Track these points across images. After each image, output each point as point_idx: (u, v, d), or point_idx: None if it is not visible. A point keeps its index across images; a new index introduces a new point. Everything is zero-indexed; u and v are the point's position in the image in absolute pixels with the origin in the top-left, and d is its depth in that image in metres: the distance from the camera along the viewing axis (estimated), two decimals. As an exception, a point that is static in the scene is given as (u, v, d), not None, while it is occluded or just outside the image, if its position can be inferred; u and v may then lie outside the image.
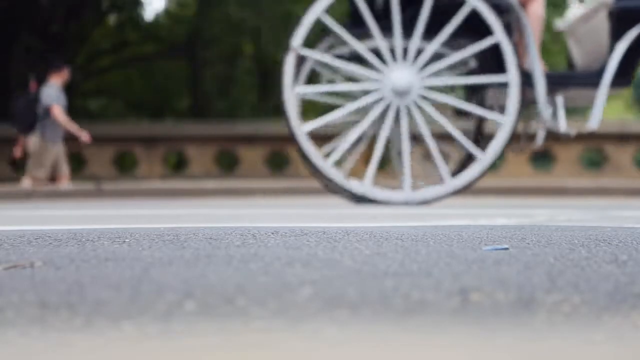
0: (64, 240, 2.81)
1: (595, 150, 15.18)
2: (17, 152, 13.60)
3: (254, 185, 13.40)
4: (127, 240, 2.79)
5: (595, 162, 16.21)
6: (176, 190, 12.99)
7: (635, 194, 12.15)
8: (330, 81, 8.43)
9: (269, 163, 16.17)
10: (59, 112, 12.86)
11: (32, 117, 13.01)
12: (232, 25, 20.75)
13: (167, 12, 24.29)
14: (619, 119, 21.48)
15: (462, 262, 2.24)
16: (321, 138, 9.39)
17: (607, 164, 14.71)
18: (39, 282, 1.98)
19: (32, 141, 13.05)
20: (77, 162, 16.63)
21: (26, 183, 13.19)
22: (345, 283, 1.93)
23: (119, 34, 22.35)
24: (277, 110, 22.02)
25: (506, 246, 2.64)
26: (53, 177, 13.30)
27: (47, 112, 12.90)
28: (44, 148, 12.96)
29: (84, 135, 12.95)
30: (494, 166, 16.50)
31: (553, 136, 15.26)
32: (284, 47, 7.46)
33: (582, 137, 14.91)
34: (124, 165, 17.17)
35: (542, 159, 16.14)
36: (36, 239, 2.86)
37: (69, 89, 20.62)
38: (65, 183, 13.21)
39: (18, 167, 15.51)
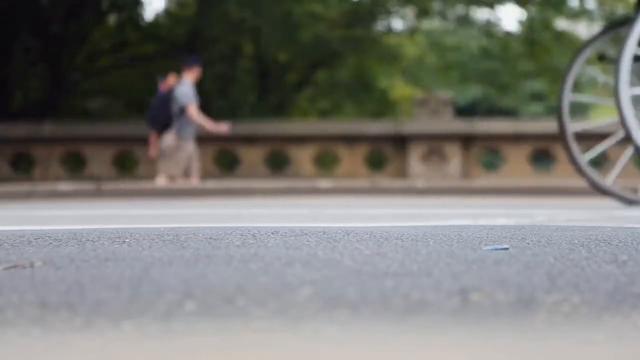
0: (64, 240, 2.81)
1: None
2: (153, 151, 13.69)
3: (254, 185, 13.40)
4: (127, 240, 2.79)
5: (595, 162, 16.20)
6: (176, 190, 12.99)
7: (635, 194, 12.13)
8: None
9: (269, 163, 16.17)
10: (195, 112, 13.00)
11: (168, 116, 13.13)
12: (232, 25, 20.75)
13: (167, 12, 24.28)
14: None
15: (462, 262, 2.24)
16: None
17: (606, 164, 14.71)
18: (39, 282, 1.98)
19: (167, 139, 13.15)
20: (77, 162, 16.63)
21: (160, 181, 13.26)
22: (345, 283, 1.93)
23: (119, 34, 22.34)
24: (277, 110, 22.03)
25: (506, 246, 2.64)
26: (186, 174, 13.45)
27: (183, 110, 13.04)
28: (179, 146, 13.11)
29: (222, 127, 13.16)
30: (493, 166, 16.39)
31: (552, 136, 15.22)
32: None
33: (581, 137, 14.90)
34: (124, 165, 17.16)
35: (542, 159, 16.14)
36: (36, 239, 2.86)
37: (69, 89, 20.62)
38: (196, 181, 13.33)
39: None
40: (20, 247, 2.68)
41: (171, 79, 13.64)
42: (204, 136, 16.20)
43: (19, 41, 19.29)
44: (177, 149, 13.17)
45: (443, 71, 23.29)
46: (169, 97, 13.22)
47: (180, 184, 13.20)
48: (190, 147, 13.32)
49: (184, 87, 13.11)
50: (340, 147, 15.86)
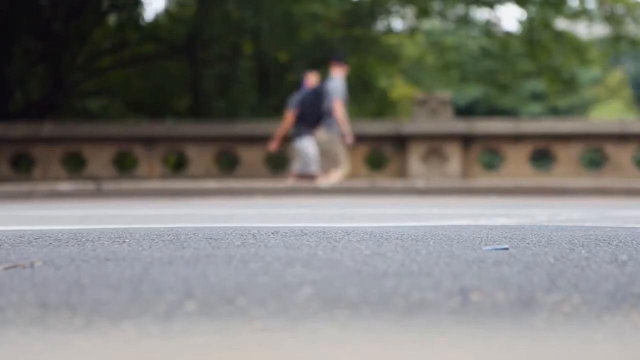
0: (64, 240, 2.81)
1: (595, 150, 15.18)
2: (274, 145, 13.72)
3: (254, 185, 13.39)
4: (127, 240, 2.79)
5: (595, 162, 16.20)
6: (176, 190, 12.99)
7: (635, 194, 12.15)
8: None
9: (269, 163, 16.18)
10: (339, 109, 12.96)
11: (319, 112, 13.11)
12: (232, 25, 20.75)
13: (167, 12, 24.27)
14: (619, 119, 21.48)
15: (462, 262, 2.24)
16: None
17: (607, 164, 14.71)
18: (39, 282, 1.97)
19: (322, 136, 13.12)
20: (77, 162, 16.63)
21: (334, 178, 13.17)
22: (345, 283, 1.93)
23: (119, 34, 22.33)
24: (277, 110, 22.04)
25: (506, 246, 2.64)
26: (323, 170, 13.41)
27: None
28: (333, 141, 13.08)
29: (349, 139, 13.08)
30: (493, 166, 16.42)
31: (552, 136, 15.20)
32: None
33: (582, 137, 14.89)
34: (124, 165, 17.16)
35: (542, 159, 16.14)
36: (36, 239, 2.86)
37: (69, 89, 20.62)
38: (337, 177, 13.26)
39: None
40: (20, 247, 2.68)
41: (313, 77, 13.63)
42: (205, 136, 16.20)
43: (19, 41, 19.29)
44: (332, 144, 13.14)
45: (443, 71, 23.28)
46: (319, 92, 13.16)
47: (341, 181, 13.08)
48: (338, 140, 13.26)
49: (336, 82, 13.08)
50: (340, 147, 15.85)
